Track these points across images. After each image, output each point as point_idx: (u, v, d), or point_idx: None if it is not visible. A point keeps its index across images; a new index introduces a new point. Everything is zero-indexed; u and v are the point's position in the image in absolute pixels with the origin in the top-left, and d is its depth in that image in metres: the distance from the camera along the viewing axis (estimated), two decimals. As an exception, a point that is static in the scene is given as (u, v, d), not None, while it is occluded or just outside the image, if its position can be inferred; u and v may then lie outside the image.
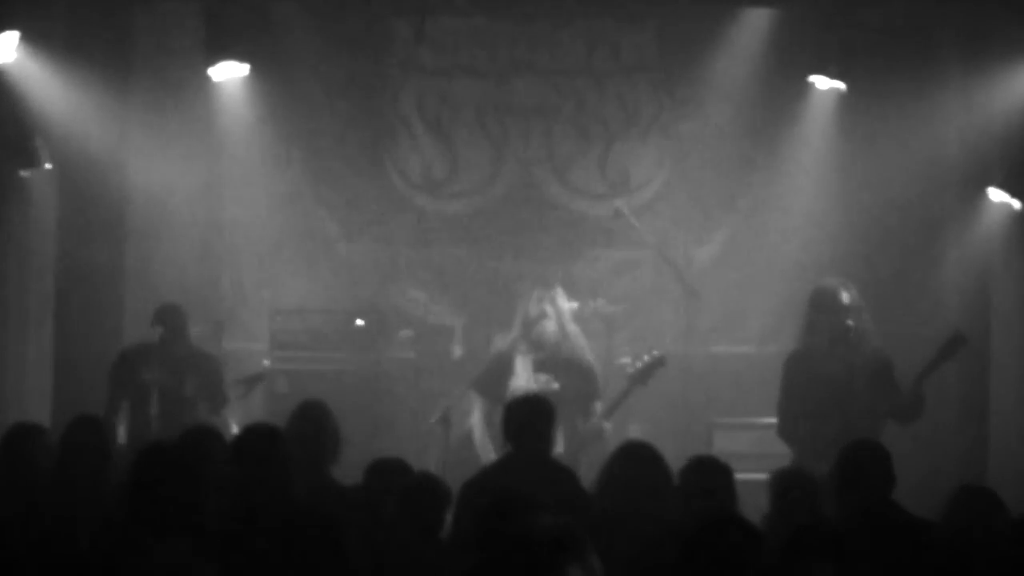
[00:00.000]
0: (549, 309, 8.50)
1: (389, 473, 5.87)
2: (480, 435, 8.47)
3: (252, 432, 5.84)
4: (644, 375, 8.31)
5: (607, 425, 8.21)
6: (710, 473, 5.75)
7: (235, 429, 9.11)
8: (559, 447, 7.99)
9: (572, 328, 8.61)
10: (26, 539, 5.38)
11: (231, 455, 5.79)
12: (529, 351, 8.49)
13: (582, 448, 8.05)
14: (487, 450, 8.26)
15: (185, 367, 8.57)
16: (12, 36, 8.91)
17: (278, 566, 4.77)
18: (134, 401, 8.58)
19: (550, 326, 8.47)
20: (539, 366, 8.45)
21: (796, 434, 7.88)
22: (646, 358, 8.34)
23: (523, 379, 8.40)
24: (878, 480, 5.54)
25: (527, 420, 6.42)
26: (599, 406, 8.46)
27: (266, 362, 9.74)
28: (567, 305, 8.63)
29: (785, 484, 5.91)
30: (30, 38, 9.04)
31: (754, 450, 8.86)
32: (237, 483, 5.53)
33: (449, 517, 5.77)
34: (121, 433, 8.47)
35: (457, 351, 10.29)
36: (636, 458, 5.92)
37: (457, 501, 6.03)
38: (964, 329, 8.19)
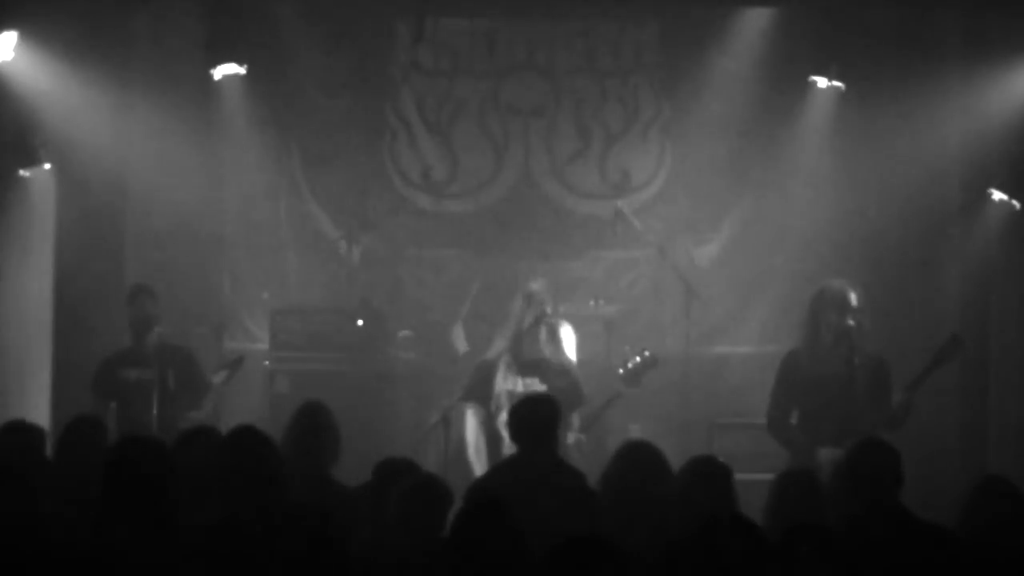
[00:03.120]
0: (541, 310, 8.47)
1: (397, 473, 5.86)
2: (474, 442, 8.45)
3: (238, 434, 5.82)
4: (635, 376, 8.27)
5: (582, 437, 8.17)
6: (710, 472, 5.74)
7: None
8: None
9: (557, 331, 8.56)
10: (23, 539, 5.38)
11: (222, 455, 5.77)
12: (512, 354, 8.46)
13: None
14: (481, 456, 8.24)
15: (162, 361, 8.56)
16: (12, 36, 8.91)
17: (272, 568, 4.76)
18: (121, 402, 8.57)
19: (542, 335, 8.45)
20: (523, 369, 8.42)
21: (787, 430, 7.88)
22: (637, 359, 8.31)
23: (506, 383, 8.37)
24: (887, 480, 5.52)
25: (532, 420, 6.40)
26: (576, 419, 8.41)
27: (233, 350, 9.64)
28: (569, 335, 8.59)
29: (786, 484, 5.89)
30: (30, 38, 9.04)
31: (754, 450, 8.86)
32: (229, 483, 5.51)
33: (451, 518, 5.76)
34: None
35: (461, 345, 10.26)
36: (638, 458, 5.91)
37: (464, 503, 6.01)
38: (963, 329, 8.20)
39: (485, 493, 6.15)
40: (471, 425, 8.54)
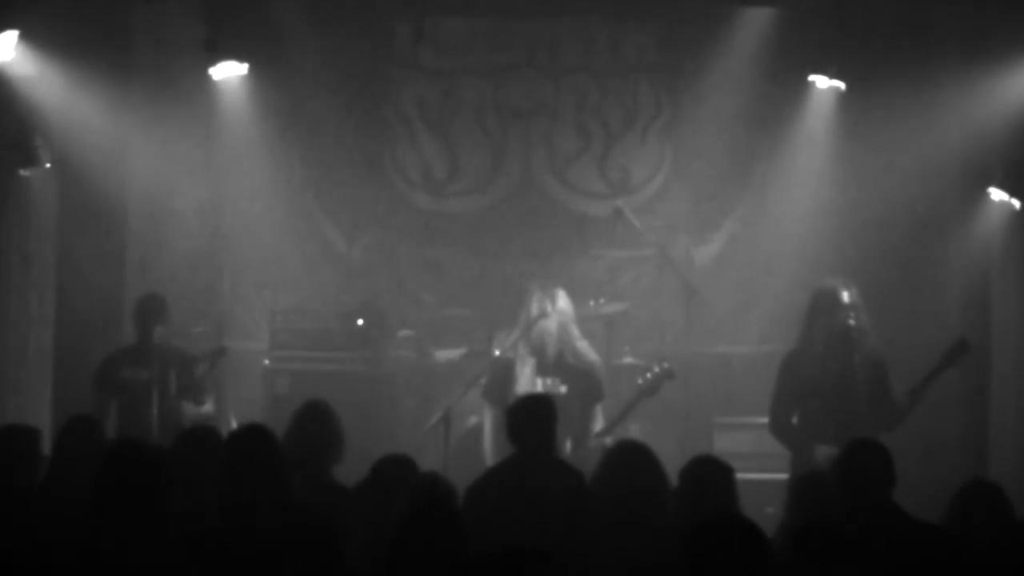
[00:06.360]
0: (549, 308, 8.49)
1: (396, 471, 5.86)
2: (489, 442, 8.46)
3: (243, 432, 5.82)
4: (652, 387, 8.29)
5: (608, 441, 8.18)
6: (711, 472, 5.74)
7: (234, 425, 9.15)
8: (566, 448, 7.98)
9: (573, 329, 8.60)
10: (20, 538, 5.38)
11: (222, 454, 5.77)
12: (531, 354, 8.47)
13: (586, 460, 8.00)
14: (495, 457, 8.23)
15: (166, 362, 8.55)
16: (11, 35, 8.90)
17: (270, 567, 4.75)
18: (123, 403, 8.56)
19: (551, 325, 8.46)
20: (543, 369, 8.44)
21: (788, 431, 7.88)
22: (656, 370, 8.32)
23: (526, 384, 8.38)
24: (879, 480, 5.53)
25: (530, 421, 6.40)
26: (600, 409, 8.44)
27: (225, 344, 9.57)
28: (568, 306, 8.61)
29: (806, 488, 5.88)
30: (30, 37, 9.03)
31: (754, 450, 8.87)
32: (228, 483, 5.51)
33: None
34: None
35: (448, 356, 10.26)
36: (629, 457, 5.91)
37: (463, 503, 6.01)
38: (963, 329, 8.19)
39: (483, 495, 6.16)
40: (488, 425, 8.55)
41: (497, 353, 8.89)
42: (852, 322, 7.78)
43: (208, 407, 8.58)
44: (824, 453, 7.45)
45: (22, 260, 9.63)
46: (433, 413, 8.69)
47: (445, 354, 10.21)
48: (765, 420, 8.05)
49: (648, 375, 8.30)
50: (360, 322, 9.94)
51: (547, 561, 4.07)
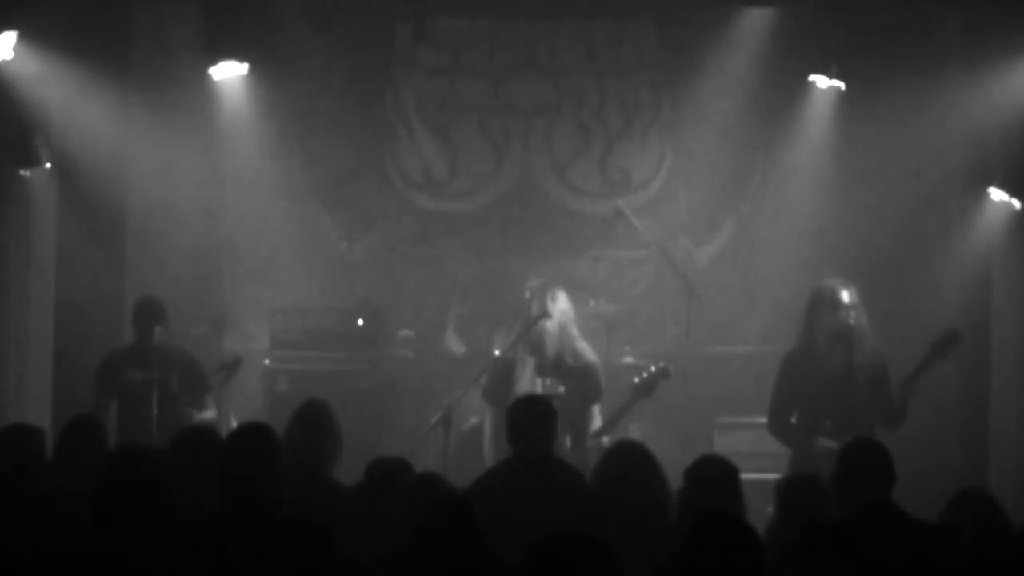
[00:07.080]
0: (550, 308, 8.50)
1: (390, 472, 5.86)
2: (489, 442, 8.46)
3: (244, 431, 5.82)
4: (649, 387, 8.30)
5: (606, 441, 8.18)
6: (716, 472, 5.74)
7: (235, 425, 9.14)
8: (565, 448, 7.98)
9: (573, 329, 8.61)
10: (23, 538, 5.38)
11: (223, 453, 5.76)
12: (530, 354, 8.48)
13: (584, 460, 8.01)
14: (495, 457, 8.24)
15: (167, 363, 8.54)
16: (11, 35, 8.90)
17: (265, 567, 4.75)
18: (122, 402, 8.56)
19: (550, 325, 8.47)
20: (542, 369, 8.44)
21: (787, 430, 7.88)
22: (653, 369, 8.33)
23: (526, 384, 8.39)
24: (879, 480, 5.53)
25: (529, 422, 6.41)
26: (598, 409, 8.44)
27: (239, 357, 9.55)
28: (568, 306, 8.62)
29: (792, 489, 5.89)
30: (29, 37, 9.03)
31: (754, 450, 8.88)
32: (227, 481, 5.50)
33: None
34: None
35: (457, 347, 10.28)
36: (627, 457, 5.91)
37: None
38: (964, 328, 8.18)
39: (483, 495, 6.16)
40: (488, 425, 8.55)
41: (497, 353, 8.90)
42: (852, 322, 7.79)
43: (210, 413, 8.57)
44: (824, 447, 7.45)
45: (22, 260, 9.63)
46: (433, 413, 8.69)
47: (453, 345, 10.22)
48: (765, 420, 8.06)
49: (644, 374, 8.31)
50: (360, 322, 9.95)
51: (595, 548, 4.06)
